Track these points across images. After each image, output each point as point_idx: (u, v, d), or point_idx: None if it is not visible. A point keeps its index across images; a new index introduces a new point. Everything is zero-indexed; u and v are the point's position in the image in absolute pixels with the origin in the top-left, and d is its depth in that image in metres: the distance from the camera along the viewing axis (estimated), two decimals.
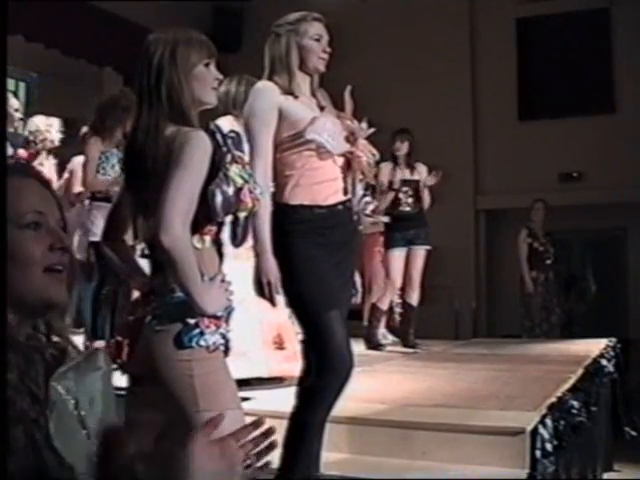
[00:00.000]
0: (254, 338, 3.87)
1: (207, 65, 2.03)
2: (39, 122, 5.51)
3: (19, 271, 1.11)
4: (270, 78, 2.68)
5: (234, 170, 1.97)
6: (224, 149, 1.98)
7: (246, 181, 1.99)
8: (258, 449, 1.17)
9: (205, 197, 1.91)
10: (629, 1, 9.18)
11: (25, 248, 1.13)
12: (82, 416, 1.10)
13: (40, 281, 1.13)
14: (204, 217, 1.94)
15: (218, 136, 1.99)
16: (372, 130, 2.88)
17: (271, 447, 1.19)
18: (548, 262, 7.84)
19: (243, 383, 3.49)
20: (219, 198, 1.92)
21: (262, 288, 2.57)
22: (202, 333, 1.90)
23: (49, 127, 5.44)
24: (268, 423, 1.22)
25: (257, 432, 1.18)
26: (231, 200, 1.95)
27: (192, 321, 1.90)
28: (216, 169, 1.93)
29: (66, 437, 1.06)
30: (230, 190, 1.94)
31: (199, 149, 1.90)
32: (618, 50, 9.47)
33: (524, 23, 9.96)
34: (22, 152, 5.40)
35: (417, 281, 5.91)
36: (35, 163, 5.34)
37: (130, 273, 2.12)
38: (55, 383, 1.07)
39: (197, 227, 1.94)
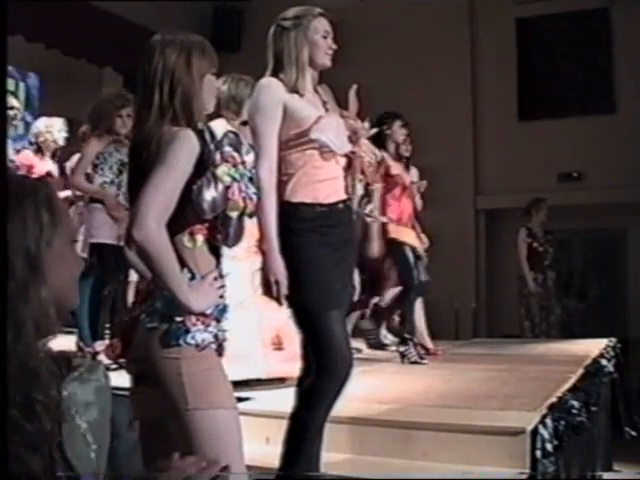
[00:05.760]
0: (252, 339, 3.87)
1: (213, 73, 2.07)
2: (40, 124, 5.52)
3: (70, 278, 1.22)
4: (275, 74, 2.67)
5: (222, 169, 1.97)
6: (212, 147, 1.98)
7: (236, 180, 1.99)
8: None
9: (191, 195, 1.92)
10: (629, 1, 9.18)
11: (77, 259, 1.26)
12: (85, 428, 1.13)
13: (76, 289, 1.25)
14: (191, 215, 1.94)
15: (206, 135, 1.99)
16: (375, 130, 2.88)
17: None
18: (547, 262, 7.85)
19: (243, 384, 3.49)
20: (204, 196, 1.92)
21: (270, 287, 2.57)
22: (188, 331, 1.90)
23: (50, 128, 5.44)
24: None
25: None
26: (217, 199, 1.94)
27: (179, 319, 1.90)
28: (204, 168, 1.93)
29: (74, 450, 1.09)
30: (217, 189, 1.94)
31: (183, 147, 1.91)
32: (618, 50, 9.46)
33: (524, 23, 9.96)
34: (28, 153, 5.41)
35: None
36: (39, 164, 5.35)
37: (147, 274, 2.13)
38: (65, 393, 1.11)
39: (185, 226, 1.95)
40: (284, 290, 2.55)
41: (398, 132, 5.37)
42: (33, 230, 1.13)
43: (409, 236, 5.32)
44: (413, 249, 5.29)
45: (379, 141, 5.22)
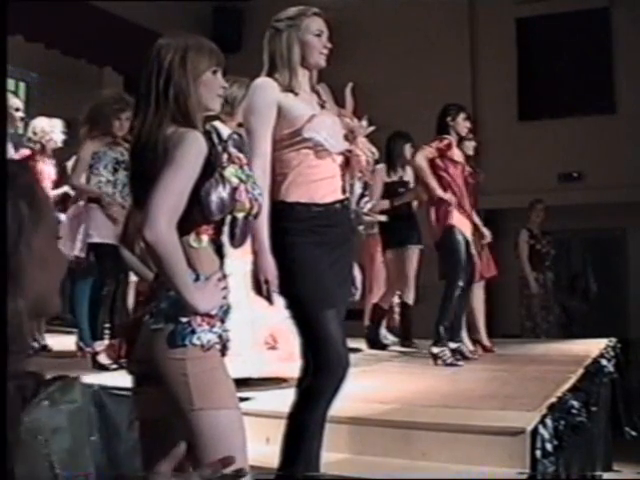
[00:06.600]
0: (244, 338, 3.86)
1: (214, 72, 2.05)
2: (43, 123, 5.53)
3: (52, 281, 1.04)
4: (270, 74, 2.67)
5: (230, 170, 1.98)
6: (219, 148, 1.99)
7: (243, 181, 2.00)
8: None
9: (199, 196, 1.92)
10: (629, 1, 9.18)
11: (61, 259, 1.08)
12: (50, 455, 0.97)
13: (58, 294, 1.06)
14: (199, 216, 1.95)
15: (214, 136, 2.00)
16: (372, 128, 2.87)
17: None
18: (547, 263, 7.85)
19: (243, 383, 3.49)
20: (213, 197, 1.93)
21: (260, 286, 2.57)
22: (194, 332, 1.91)
23: (53, 128, 5.49)
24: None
25: (228, 470, 1.11)
26: (225, 200, 1.95)
27: (185, 320, 1.91)
28: (211, 169, 1.94)
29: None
30: (225, 190, 1.95)
31: (192, 148, 1.91)
32: (618, 50, 9.46)
33: (524, 23, 9.96)
34: (26, 152, 5.42)
35: (412, 280, 5.95)
36: (37, 163, 5.36)
37: (144, 274, 2.13)
38: (27, 419, 0.94)
39: (192, 226, 1.95)
40: (274, 289, 2.55)
41: (461, 124, 5.26)
42: (11, 229, 0.95)
43: (466, 226, 5.21)
44: (467, 241, 5.22)
45: (442, 132, 5.25)
